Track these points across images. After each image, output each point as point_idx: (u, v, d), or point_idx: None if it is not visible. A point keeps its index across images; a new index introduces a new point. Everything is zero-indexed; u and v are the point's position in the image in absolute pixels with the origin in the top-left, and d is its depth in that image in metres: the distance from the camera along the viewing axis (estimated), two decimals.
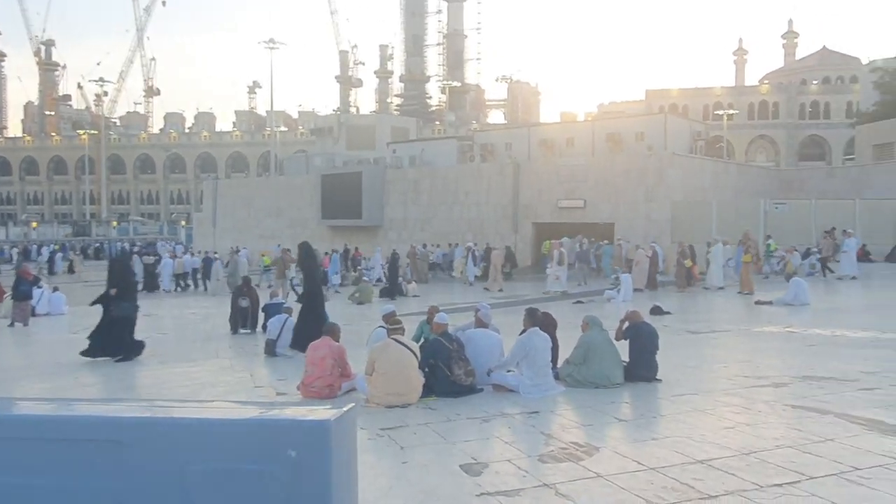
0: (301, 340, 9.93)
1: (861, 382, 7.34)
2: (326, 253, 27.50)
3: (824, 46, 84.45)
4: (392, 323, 7.86)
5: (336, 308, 20.00)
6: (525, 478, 4.69)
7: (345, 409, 2.39)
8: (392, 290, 22.24)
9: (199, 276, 28.26)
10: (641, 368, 7.72)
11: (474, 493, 4.44)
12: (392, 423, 6.24)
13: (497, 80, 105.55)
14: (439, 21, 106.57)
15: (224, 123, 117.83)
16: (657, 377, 7.71)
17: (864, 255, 24.71)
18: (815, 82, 76.03)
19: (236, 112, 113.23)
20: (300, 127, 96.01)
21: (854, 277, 20.48)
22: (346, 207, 38.88)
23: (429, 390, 7.21)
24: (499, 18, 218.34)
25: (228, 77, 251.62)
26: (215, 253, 33.71)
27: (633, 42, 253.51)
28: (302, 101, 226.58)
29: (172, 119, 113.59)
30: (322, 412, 2.39)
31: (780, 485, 4.37)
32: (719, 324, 13.34)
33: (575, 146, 43.31)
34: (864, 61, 72.65)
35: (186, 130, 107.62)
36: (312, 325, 9.79)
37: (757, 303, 16.10)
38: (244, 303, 14.15)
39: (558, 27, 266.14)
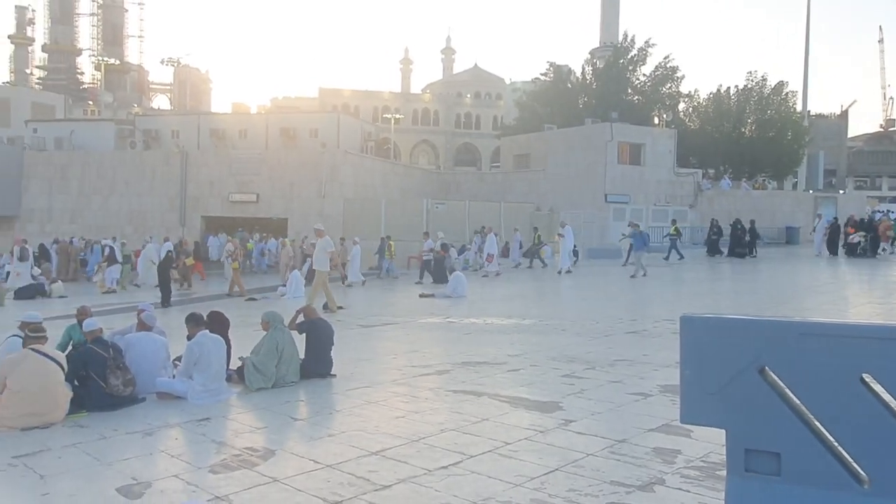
0: None
1: (508, 365, 8.28)
2: None
3: (476, 65, 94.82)
4: (32, 331, 6.69)
5: None
6: (195, 492, 4.33)
7: None
8: (165, 295, 17.59)
9: None
10: (317, 365, 7.72)
11: None
12: (29, 449, 5.31)
13: (163, 62, 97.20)
14: None
15: None
16: (332, 373, 7.79)
17: (507, 252, 28.24)
18: (468, 96, 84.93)
19: None
20: None
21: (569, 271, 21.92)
22: None
23: (79, 406, 6.30)
24: None
25: None
26: None
27: (306, 38, 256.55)
28: None
29: None
30: None
31: (445, 466, 4.67)
32: (389, 317, 14.05)
33: (248, 139, 42.25)
34: (508, 81, 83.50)
35: None
36: None
37: (421, 296, 17.34)
38: None
39: (230, 13, 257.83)
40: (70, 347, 7.94)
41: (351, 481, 4.44)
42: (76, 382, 6.45)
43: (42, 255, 26.39)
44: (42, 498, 4.37)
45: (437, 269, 20.93)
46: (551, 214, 31.85)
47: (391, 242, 23.80)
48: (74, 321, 8.24)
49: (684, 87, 49.52)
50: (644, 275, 19.38)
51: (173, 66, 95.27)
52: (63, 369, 6.23)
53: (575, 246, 26.72)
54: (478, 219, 28.49)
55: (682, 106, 48.69)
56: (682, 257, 24.70)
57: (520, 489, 4.22)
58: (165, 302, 17.21)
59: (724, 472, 3.37)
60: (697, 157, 43.64)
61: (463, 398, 6.65)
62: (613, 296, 16.81)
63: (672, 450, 4.90)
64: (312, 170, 30.05)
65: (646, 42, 47.41)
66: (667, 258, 24.68)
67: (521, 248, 25.95)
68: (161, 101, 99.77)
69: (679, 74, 47.18)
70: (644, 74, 48.01)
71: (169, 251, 19.65)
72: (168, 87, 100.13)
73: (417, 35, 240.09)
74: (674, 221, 26.63)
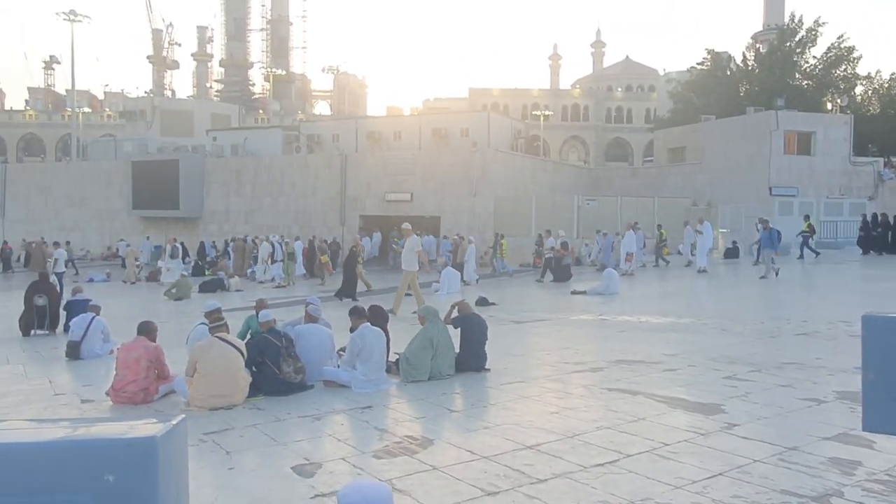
0: None
1: (665, 364, 8.02)
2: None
3: (627, 57, 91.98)
4: (214, 320, 7.40)
5: (152, 304, 18.67)
6: (360, 475, 4.59)
7: (173, 421, 2.10)
8: (346, 289, 17.86)
9: None
10: (471, 359, 7.89)
11: (308, 495, 4.26)
12: (216, 427, 5.87)
13: (323, 70, 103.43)
14: (263, 6, 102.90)
15: (14, 101, 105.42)
16: (486, 367, 7.92)
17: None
18: (619, 89, 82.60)
19: (29, 89, 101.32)
20: (107, 109, 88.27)
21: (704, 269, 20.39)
22: (162, 197, 36.48)
23: (256, 390, 6.88)
24: (325, 8, 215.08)
25: (17, 50, 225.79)
26: None
27: (455, 40, 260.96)
28: (109, 81, 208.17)
29: None
30: (146, 427, 2.06)
31: (601, 464, 4.63)
32: (540, 313, 14.02)
33: (402, 140, 43.73)
34: (661, 73, 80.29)
35: None
36: None
37: (573, 293, 17.15)
38: (40, 301, 12.72)
39: (384, 21, 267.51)
40: (248, 336, 8.64)
41: (507, 473, 4.52)
42: (254, 368, 7.03)
43: (200, 252, 29.59)
44: (229, 472, 4.82)
45: (557, 268, 20.62)
46: (709, 209, 30.29)
47: (503, 241, 23.79)
48: (253, 312, 8.95)
49: (862, 69, 45.20)
50: (764, 275, 17.79)
51: (333, 73, 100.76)
52: (243, 356, 6.83)
53: (735, 241, 25.22)
54: (630, 215, 27.66)
55: (859, 89, 44.45)
56: (801, 256, 23.07)
57: (680, 492, 4.10)
58: (350, 294, 17.46)
59: None
60: (878, 144, 39.69)
61: (618, 396, 6.53)
62: (776, 294, 15.71)
63: (851, 461, 4.54)
64: (463, 168, 30.56)
65: (815, 21, 43.67)
66: (816, 254, 23.06)
67: (644, 246, 24.84)
68: (322, 108, 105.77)
69: (855, 55, 43.07)
70: (814, 57, 44.29)
71: (352, 248, 19.94)
72: (328, 94, 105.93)
73: (566, 30, 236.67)
74: (807, 217, 24.66)
